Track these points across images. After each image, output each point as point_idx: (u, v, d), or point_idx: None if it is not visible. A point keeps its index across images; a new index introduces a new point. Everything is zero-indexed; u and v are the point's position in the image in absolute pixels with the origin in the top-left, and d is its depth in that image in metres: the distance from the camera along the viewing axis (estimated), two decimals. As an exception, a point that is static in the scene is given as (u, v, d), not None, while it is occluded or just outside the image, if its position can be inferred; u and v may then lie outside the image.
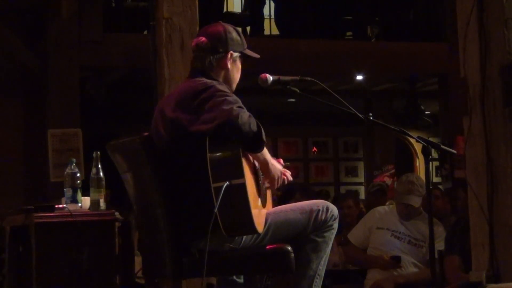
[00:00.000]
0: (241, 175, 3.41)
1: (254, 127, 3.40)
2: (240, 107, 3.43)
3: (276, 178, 3.66)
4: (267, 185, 3.74)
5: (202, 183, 3.41)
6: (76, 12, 8.35)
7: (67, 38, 8.34)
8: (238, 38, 3.77)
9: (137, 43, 7.47)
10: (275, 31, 9.89)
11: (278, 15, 9.82)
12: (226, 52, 3.71)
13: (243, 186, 3.41)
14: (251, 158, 3.64)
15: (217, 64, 3.71)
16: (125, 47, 8.39)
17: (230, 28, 3.77)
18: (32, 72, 8.55)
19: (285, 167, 3.92)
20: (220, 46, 3.71)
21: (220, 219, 3.40)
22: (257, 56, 3.81)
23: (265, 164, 3.61)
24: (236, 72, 3.77)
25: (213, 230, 3.41)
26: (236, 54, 3.75)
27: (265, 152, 3.59)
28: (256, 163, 3.68)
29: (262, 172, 3.68)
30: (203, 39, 3.73)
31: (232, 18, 9.85)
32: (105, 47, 8.52)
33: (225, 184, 3.37)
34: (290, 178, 3.87)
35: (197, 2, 5.03)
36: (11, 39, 8.40)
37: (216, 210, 3.35)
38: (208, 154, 3.40)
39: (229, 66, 3.73)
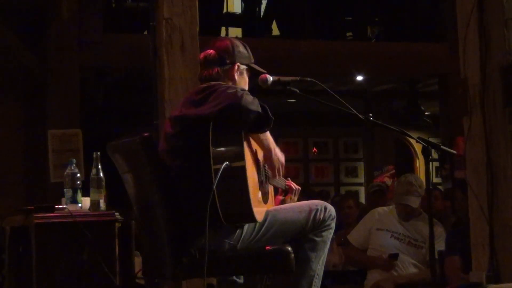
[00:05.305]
0: (242, 158, 3.44)
1: (258, 107, 3.46)
2: (243, 90, 3.51)
3: (277, 166, 3.69)
4: (269, 172, 3.77)
5: (204, 167, 3.44)
6: (76, 12, 8.35)
7: (67, 38, 8.35)
8: (245, 52, 3.83)
9: (137, 44, 7.45)
10: (275, 31, 9.89)
11: (278, 15, 9.82)
12: (233, 63, 3.76)
13: (242, 169, 3.43)
14: (254, 149, 3.67)
15: (224, 75, 3.76)
16: (125, 48, 8.39)
17: (237, 42, 3.84)
18: (32, 72, 8.55)
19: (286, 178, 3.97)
20: (227, 57, 3.76)
21: (219, 205, 3.41)
22: (264, 71, 3.85)
23: (268, 151, 3.66)
24: (244, 84, 3.81)
25: (212, 226, 3.42)
26: (243, 67, 3.80)
27: (271, 140, 3.65)
28: (259, 155, 3.70)
29: (264, 159, 3.71)
30: (211, 51, 3.79)
31: (232, 19, 9.86)
32: (105, 47, 8.52)
33: (224, 164, 3.39)
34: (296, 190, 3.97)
35: (197, 3, 5.03)
36: (11, 39, 8.40)
37: (214, 187, 3.37)
38: (210, 140, 3.43)
39: (236, 78, 3.78)
